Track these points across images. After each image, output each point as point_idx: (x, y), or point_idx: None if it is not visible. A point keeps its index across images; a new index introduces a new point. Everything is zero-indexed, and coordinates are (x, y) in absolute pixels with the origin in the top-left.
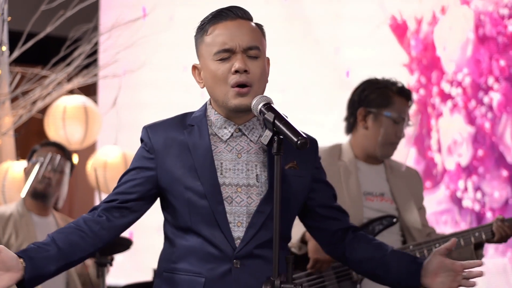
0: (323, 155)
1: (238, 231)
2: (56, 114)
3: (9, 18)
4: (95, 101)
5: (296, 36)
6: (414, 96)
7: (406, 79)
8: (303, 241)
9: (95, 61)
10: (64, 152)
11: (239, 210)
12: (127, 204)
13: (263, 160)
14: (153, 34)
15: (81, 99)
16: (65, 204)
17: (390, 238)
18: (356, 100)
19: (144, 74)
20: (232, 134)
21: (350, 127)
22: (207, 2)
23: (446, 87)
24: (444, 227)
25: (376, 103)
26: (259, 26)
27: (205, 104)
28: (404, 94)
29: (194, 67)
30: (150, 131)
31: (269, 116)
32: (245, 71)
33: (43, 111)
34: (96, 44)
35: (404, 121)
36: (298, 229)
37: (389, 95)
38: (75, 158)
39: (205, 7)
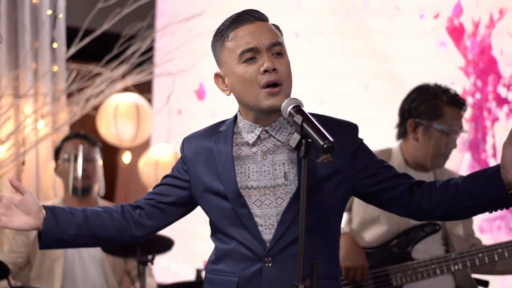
0: None
1: (269, 234)
2: (108, 111)
3: (60, 15)
4: (150, 99)
5: (350, 44)
6: (470, 100)
7: (462, 82)
8: None
9: (149, 59)
10: (88, 140)
11: (269, 212)
12: (161, 205)
13: (291, 157)
14: (207, 33)
15: (133, 97)
16: (120, 200)
17: (433, 246)
18: (406, 110)
19: (199, 72)
20: (259, 137)
21: (401, 135)
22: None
23: (502, 91)
24: (497, 233)
25: (426, 115)
26: (276, 26)
27: (237, 111)
28: (456, 103)
29: (217, 75)
30: (185, 142)
31: (298, 119)
32: (274, 69)
33: (98, 108)
34: (152, 41)
35: (455, 132)
36: None
37: (439, 107)
38: (127, 156)
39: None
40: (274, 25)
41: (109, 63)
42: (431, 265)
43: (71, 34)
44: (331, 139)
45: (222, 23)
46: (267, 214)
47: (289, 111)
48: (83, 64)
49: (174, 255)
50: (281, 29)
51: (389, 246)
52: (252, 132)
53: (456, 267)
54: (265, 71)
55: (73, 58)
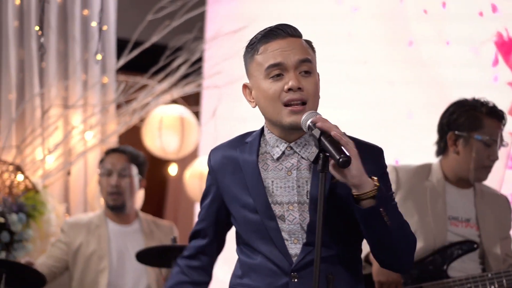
0: (411, 173)
1: (295, 248)
2: (153, 123)
3: (104, 27)
4: (198, 111)
5: (398, 55)
6: None
7: (510, 98)
8: (367, 260)
9: (196, 71)
10: (127, 155)
11: (293, 228)
12: (209, 232)
13: (315, 174)
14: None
15: (178, 110)
16: (170, 212)
17: (470, 265)
18: (445, 124)
19: None
20: (283, 152)
21: (441, 151)
22: (309, 15)
23: None
24: None
25: (465, 126)
26: (308, 43)
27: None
28: (495, 114)
29: (245, 86)
30: (211, 154)
31: (316, 132)
32: (299, 88)
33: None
34: (201, 53)
35: (496, 143)
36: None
37: (478, 117)
38: (173, 168)
39: (307, 19)
40: (307, 41)
41: (156, 74)
42: (467, 284)
43: (121, 46)
44: (348, 154)
45: (254, 36)
46: (291, 230)
47: (308, 125)
48: (131, 75)
49: (219, 263)
50: (331, 55)
51: (424, 263)
52: (277, 147)
53: (492, 287)
54: (289, 89)
55: (122, 69)
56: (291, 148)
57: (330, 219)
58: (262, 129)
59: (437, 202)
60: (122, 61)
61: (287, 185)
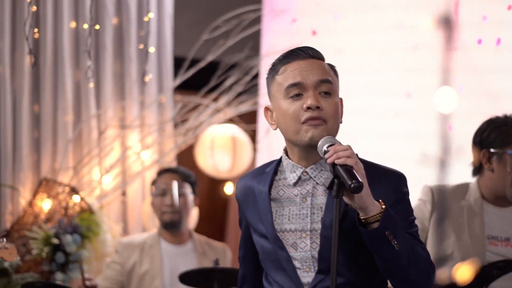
0: (447, 193)
1: (307, 277)
2: (205, 143)
3: (151, 49)
4: (254, 129)
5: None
6: None
7: None
8: None
9: (253, 88)
10: (181, 175)
11: (304, 256)
12: (247, 259)
13: (330, 201)
14: None
15: (230, 129)
16: (232, 231)
17: (510, 284)
18: (478, 143)
19: None
20: (300, 178)
21: (477, 171)
22: (365, 27)
23: None
24: None
25: (497, 142)
26: (331, 66)
27: (283, 149)
28: None
29: (267, 109)
30: (237, 184)
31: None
32: (318, 107)
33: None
34: (257, 71)
35: None
36: None
37: (509, 133)
38: (229, 187)
39: (363, 32)
40: (329, 65)
41: (211, 92)
42: None
43: (176, 65)
44: (360, 180)
45: (277, 57)
46: (303, 258)
47: (324, 150)
48: (185, 93)
49: None
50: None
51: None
52: (294, 172)
53: None
54: (308, 108)
55: (178, 88)
56: (307, 173)
57: (342, 245)
58: (281, 158)
59: (474, 221)
60: (179, 80)
61: (301, 212)
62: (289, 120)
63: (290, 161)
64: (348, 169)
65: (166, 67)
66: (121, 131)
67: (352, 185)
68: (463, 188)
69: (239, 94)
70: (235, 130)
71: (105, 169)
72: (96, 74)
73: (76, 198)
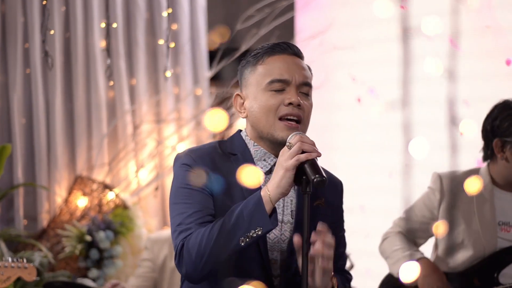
0: (455, 180)
1: (277, 269)
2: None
3: (171, 44)
4: None
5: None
6: None
7: None
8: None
9: None
10: None
11: (272, 247)
12: None
13: (300, 194)
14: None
15: None
16: None
17: None
18: (489, 130)
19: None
20: (271, 168)
21: (488, 157)
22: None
23: None
24: None
25: (510, 131)
26: (308, 67)
27: (239, 135)
28: None
29: (237, 96)
30: (192, 153)
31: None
32: (299, 105)
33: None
34: None
35: None
36: None
37: None
38: None
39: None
40: (308, 66)
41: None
42: None
43: (210, 56)
44: (324, 175)
45: (259, 47)
46: (270, 249)
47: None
48: (219, 85)
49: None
50: None
51: (474, 271)
52: (264, 160)
53: None
54: (290, 103)
55: (213, 80)
56: None
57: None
58: (242, 140)
59: (485, 207)
60: (213, 71)
61: None
62: (265, 112)
63: (261, 148)
64: (314, 163)
65: (201, 59)
66: (156, 126)
67: (314, 180)
68: (473, 174)
69: None
70: None
71: (141, 163)
72: (129, 69)
73: (110, 195)
